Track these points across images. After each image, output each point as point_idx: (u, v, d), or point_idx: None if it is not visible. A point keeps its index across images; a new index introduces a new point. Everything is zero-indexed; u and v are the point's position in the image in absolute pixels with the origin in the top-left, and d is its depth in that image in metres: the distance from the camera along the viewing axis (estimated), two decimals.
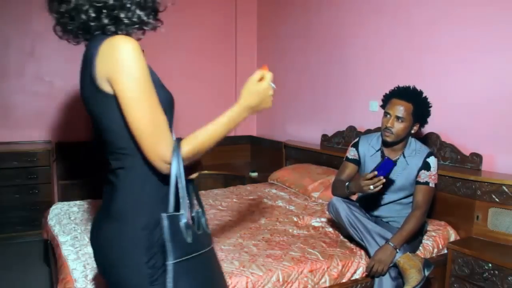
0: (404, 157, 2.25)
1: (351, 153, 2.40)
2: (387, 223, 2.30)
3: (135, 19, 1.09)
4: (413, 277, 1.94)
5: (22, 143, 3.96)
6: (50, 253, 2.46)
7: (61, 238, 2.30)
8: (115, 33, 1.06)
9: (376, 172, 2.01)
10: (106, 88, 1.03)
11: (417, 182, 2.21)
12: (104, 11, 1.05)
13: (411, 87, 2.26)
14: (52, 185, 3.84)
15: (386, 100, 2.26)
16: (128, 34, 1.09)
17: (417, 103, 2.19)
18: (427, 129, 2.58)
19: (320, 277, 2.01)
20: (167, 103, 1.13)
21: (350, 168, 2.39)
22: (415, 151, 2.25)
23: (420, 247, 2.31)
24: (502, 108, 2.41)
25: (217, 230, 2.51)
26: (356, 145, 2.40)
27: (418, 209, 2.16)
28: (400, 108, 2.16)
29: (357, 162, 2.38)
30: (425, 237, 2.38)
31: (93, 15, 1.05)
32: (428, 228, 2.41)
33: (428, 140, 2.77)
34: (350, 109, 3.53)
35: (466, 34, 2.59)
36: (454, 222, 2.51)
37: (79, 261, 1.95)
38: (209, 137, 1.11)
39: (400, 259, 2.01)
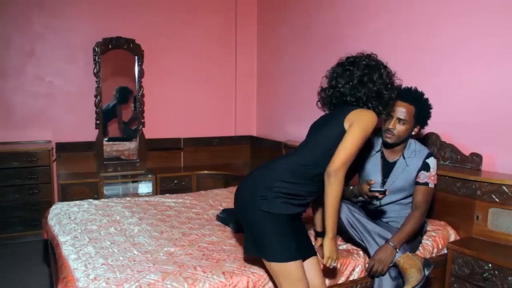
0: (404, 158, 2.25)
1: None
2: (387, 224, 2.30)
3: (376, 109, 1.94)
4: (413, 276, 1.94)
5: (22, 143, 3.97)
6: (50, 253, 2.46)
7: (61, 238, 2.29)
8: (361, 107, 1.92)
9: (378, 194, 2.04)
10: (346, 127, 1.83)
11: (417, 183, 2.21)
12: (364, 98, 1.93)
13: (413, 88, 2.26)
14: (52, 185, 3.84)
15: None
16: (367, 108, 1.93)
17: (419, 106, 2.19)
18: (427, 129, 2.58)
19: None
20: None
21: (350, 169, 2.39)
22: (415, 152, 2.25)
23: (420, 247, 2.31)
24: (502, 108, 2.41)
25: (218, 230, 2.51)
26: None
27: (418, 210, 2.16)
28: (402, 110, 2.16)
29: None
30: (425, 237, 2.38)
31: (364, 99, 1.92)
32: (427, 228, 2.41)
33: (428, 140, 2.77)
34: None
35: (466, 34, 2.59)
36: (454, 222, 2.51)
37: (79, 261, 1.95)
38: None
39: (400, 259, 2.01)
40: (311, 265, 1.88)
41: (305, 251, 1.88)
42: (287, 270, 1.75)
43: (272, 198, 1.79)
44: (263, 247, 1.80)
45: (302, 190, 1.83)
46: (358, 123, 1.81)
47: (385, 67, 2.00)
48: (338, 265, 1.96)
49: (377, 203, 2.29)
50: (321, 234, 2.24)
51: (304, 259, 1.86)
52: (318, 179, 1.82)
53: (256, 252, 1.85)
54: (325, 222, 1.82)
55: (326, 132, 1.89)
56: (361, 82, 1.91)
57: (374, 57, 2.01)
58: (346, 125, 1.84)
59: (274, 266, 1.78)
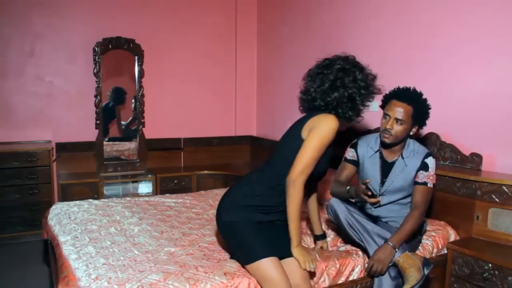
0: (403, 158, 2.25)
1: (350, 154, 2.41)
2: (386, 223, 2.30)
3: (346, 114, 1.92)
4: (413, 275, 1.94)
5: (22, 143, 3.97)
6: (50, 253, 2.46)
7: (61, 238, 2.30)
8: (329, 112, 1.90)
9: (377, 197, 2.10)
10: (304, 136, 1.85)
11: (416, 183, 2.20)
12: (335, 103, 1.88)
13: (412, 88, 2.25)
14: (52, 185, 3.84)
15: (386, 100, 2.25)
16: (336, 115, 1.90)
17: (417, 106, 2.18)
18: (426, 129, 2.58)
19: (320, 276, 2.02)
20: (318, 172, 1.90)
21: (348, 169, 2.39)
22: (414, 152, 2.25)
23: (420, 247, 2.31)
24: (502, 108, 2.42)
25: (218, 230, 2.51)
26: (355, 146, 2.40)
27: (417, 209, 2.16)
28: (400, 110, 2.15)
29: (356, 163, 2.39)
30: (424, 237, 2.38)
31: (334, 103, 1.89)
32: (427, 228, 2.41)
33: (428, 140, 2.77)
34: None
35: (466, 34, 2.60)
36: (454, 222, 2.51)
37: (80, 260, 1.95)
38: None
39: (400, 258, 2.01)
40: (291, 264, 1.87)
41: (279, 250, 1.87)
42: (260, 269, 1.78)
43: (235, 208, 1.89)
44: (237, 252, 1.92)
45: (268, 201, 1.89)
46: (315, 131, 1.80)
47: (362, 70, 1.93)
48: (315, 265, 1.94)
49: (371, 207, 2.30)
50: (319, 237, 2.25)
51: (281, 258, 1.86)
52: (281, 189, 1.85)
53: (236, 258, 1.96)
54: (289, 230, 1.85)
55: (286, 142, 1.95)
56: (332, 86, 1.88)
57: (351, 59, 1.95)
58: (304, 134, 1.85)
59: (250, 268, 1.83)
